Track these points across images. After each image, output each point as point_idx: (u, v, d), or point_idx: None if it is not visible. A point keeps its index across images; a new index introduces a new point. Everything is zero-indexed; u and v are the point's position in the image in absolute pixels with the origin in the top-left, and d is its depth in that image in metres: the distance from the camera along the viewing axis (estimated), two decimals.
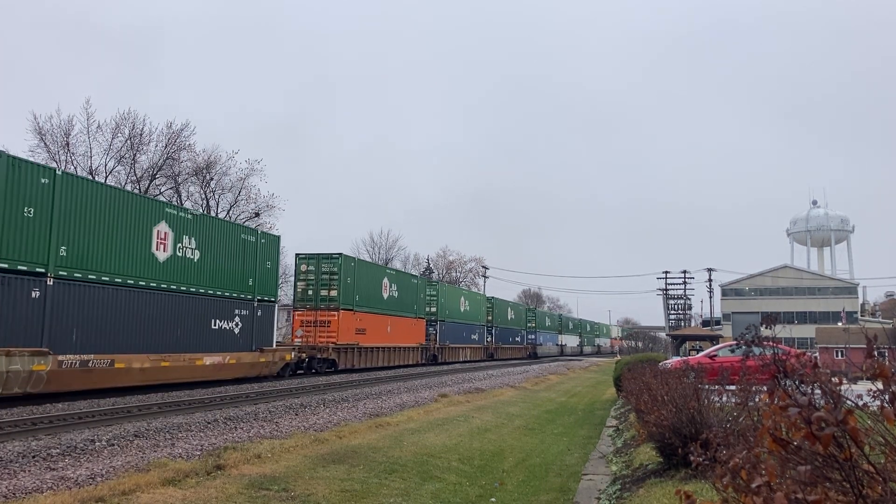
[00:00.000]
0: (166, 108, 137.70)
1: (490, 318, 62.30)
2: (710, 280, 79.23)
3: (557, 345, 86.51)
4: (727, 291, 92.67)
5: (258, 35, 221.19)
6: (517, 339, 70.83)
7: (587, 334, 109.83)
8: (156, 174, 49.48)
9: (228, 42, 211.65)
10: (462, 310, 54.92)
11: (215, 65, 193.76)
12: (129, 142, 47.58)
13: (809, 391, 2.51)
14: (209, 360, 24.02)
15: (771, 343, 4.36)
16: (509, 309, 70.13)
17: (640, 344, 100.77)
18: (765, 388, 2.94)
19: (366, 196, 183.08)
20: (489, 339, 61.48)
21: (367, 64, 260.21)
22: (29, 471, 10.15)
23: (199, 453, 11.80)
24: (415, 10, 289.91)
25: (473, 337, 56.68)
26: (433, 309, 48.57)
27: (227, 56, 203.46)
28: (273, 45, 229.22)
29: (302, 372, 32.42)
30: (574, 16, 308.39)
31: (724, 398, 7.86)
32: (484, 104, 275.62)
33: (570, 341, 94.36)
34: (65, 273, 18.62)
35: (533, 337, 76.42)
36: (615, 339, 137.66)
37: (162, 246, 22.52)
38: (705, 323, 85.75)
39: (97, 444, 12.30)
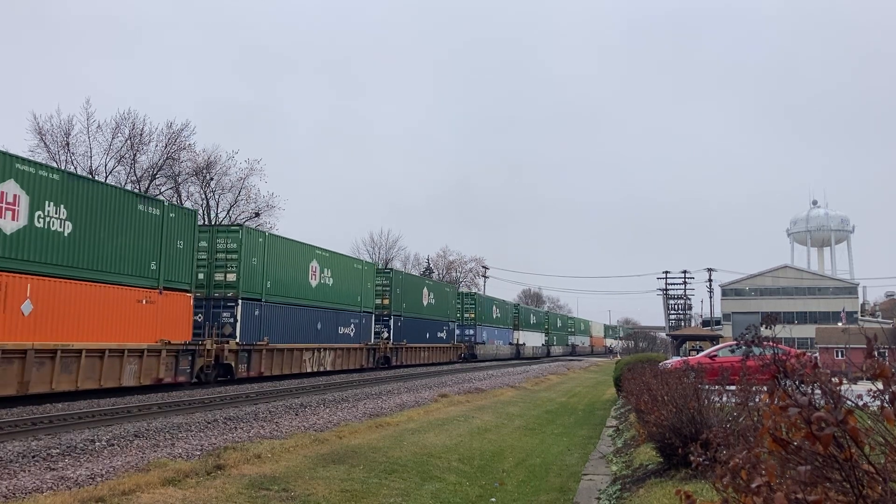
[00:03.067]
0: (121, 97, 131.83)
1: (387, 301, 41.46)
2: (710, 280, 79.42)
3: (511, 343, 68.34)
4: (727, 291, 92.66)
5: (222, 25, 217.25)
6: (440, 334, 49.92)
7: (556, 331, 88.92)
8: (156, 174, 49.52)
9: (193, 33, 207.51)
10: (314, 283, 32.14)
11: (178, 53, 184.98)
12: (129, 142, 47.64)
13: (809, 391, 2.51)
14: None
15: (771, 343, 4.36)
16: (426, 290, 47.95)
17: (635, 343, 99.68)
18: (765, 389, 2.94)
19: (349, 193, 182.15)
20: (385, 336, 40.87)
21: (338, 51, 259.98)
22: (29, 471, 10.15)
23: (199, 453, 11.80)
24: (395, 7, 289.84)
25: (345, 331, 35.19)
26: (229, 277, 26.30)
27: (192, 45, 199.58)
28: (245, 40, 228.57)
29: None
30: (568, 13, 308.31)
31: (724, 398, 7.86)
32: (471, 102, 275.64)
33: (532, 339, 75.55)
34: None
35: (471, 333, 57.57)
36: (598, 337, 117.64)
37: None
38: (705, 323, 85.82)
39: (97, 444, 12.30)
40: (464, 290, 77.38)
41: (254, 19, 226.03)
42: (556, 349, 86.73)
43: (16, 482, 9.29)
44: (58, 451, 11.54)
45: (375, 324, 39.97)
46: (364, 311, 37.94)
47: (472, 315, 58.53)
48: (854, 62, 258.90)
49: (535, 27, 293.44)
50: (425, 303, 47.44)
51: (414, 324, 45.01)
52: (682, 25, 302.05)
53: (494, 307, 65.13)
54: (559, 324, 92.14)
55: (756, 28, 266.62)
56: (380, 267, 44.86)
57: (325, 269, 33.62)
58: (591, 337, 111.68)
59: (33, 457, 11.04)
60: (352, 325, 36.39)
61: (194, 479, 9.47)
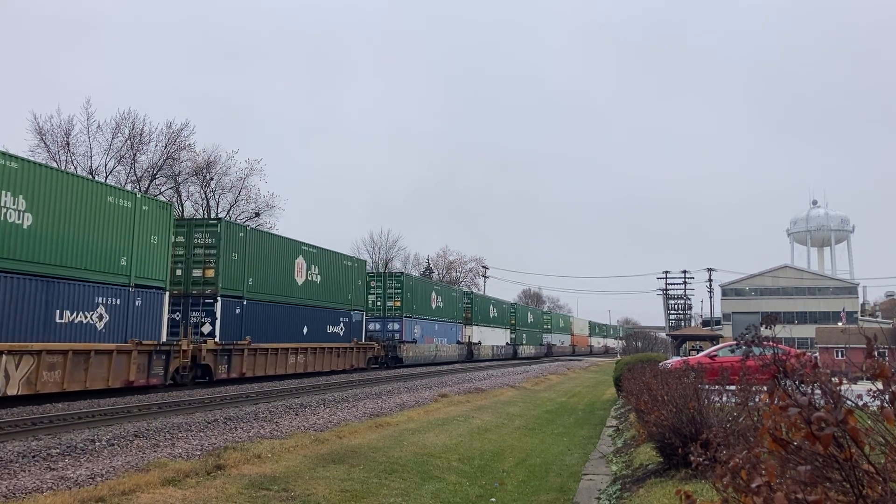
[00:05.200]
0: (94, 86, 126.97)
1: (211, 272, 25.83)
2: (710, 280, 79.41)
3: (460, 342, 53.53)
4: (727, 291, 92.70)
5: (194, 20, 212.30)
6: (333, 329, 33.84)
7: (526, 328, 73.35)
8: (156, 174, 49.57)
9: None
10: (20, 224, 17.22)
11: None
12: (129, 142, 47.69)
13: (809, 391, 2.51)
14: None
15: (771, 343, 4.36)
16: (301, 262, 31.07)
17: (630, 343, 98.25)
18: (765, 388, 2.94)
19: (340, 193, 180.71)
20: (207, 331, 25.24)
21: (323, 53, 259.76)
22: (29, 471, 10.15)
23: (199, 453, 11.80)
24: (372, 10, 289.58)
25: (80, 319, 19.12)
26: None
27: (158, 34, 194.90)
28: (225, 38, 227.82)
29: None
30: (558, 11, 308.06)
31: (724, 398, 7.86)
32: (461, 100, 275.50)
33: (491, 337, 61.36)
34: None
35: (396, 328, 42.54)
36: (581, 335, 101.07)
37: None
38: (705, 323, 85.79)
39: (97, 444, 12.30)
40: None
41: (223, 10, 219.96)
42: (526, 349, 71.95)
43: (16, 482, 9.29)
44: (58, 451, 11.53)
45: (192, 310, 25.35)
46: (140, 287, 21.53)
47: (398, 303, 42.86)
48: (853, 60, 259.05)
49: (524, 26, 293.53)
50: (301, 280, 30.99)
51: (274, 312, 28.90)
52: (682, 22, 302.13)
53: (434, 295, 49.26)
54: (530, 319, 76.35)
55: (754, 25, 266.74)
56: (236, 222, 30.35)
57: (21, 200, 17.62)
58: (571, 335, 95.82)
59: (33, 457, 11.04)
60: (99, 309, 19.86)
61: (194, 479, 9.48)
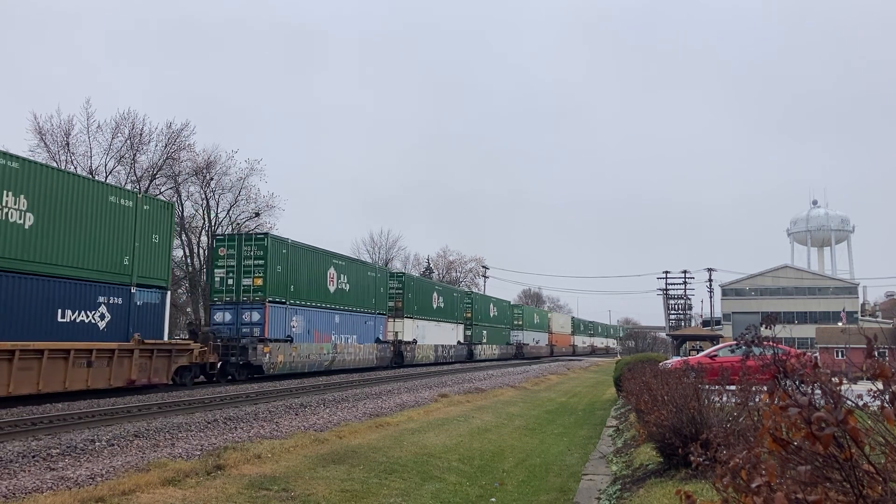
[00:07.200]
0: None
1: None
2: (710, 280, 79.44)
3: (383, 341, 39.42)
4: (727, 291, 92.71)
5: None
6: (85, 316, 19.83)
7: (487, 324, 60.00)
8: (156, 174, 49.59)
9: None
10: None
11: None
12: (128, 142, 47.73)
13: (809, 391, 2.52)
14: None
15: (771, 343, 4.37)
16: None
17: (631, 342, 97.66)
18: (765, 389, 2.94)
19: (329, 191, 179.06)
20: None
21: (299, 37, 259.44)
22: (29, 471, 10.15)
23: (199, 453, 11.80)
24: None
25: None
26: None
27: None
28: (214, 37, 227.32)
29: None
30: (554, 9, 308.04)
31: (725, 398, 7.87)
32: (453, 97, 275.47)
33: (435, 335, 47.72)
34: None
35: (255, 319, 28.37)
36: (562, 334, 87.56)
37: None
38: (705, 323, 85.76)
39: (97, 444, 12.31)
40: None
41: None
42: (486, 350, 59.04)
43: (16, 482, 9.29)
44: (58, 451, 11.54)
45: None
46: None
47: (259, 282, 28.61)
48: (853, 60, 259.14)
49: (522, 25, 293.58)
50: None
51: None
52: (681, 20, 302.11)
53: (333, 272, 34.27)
54: (493, 312, 62.12)
55: (754, 24, 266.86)
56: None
57: None
58: (550, 333, 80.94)
59: (33, 457, 11.04)
60: None
61: (194, 479, 9.48)
